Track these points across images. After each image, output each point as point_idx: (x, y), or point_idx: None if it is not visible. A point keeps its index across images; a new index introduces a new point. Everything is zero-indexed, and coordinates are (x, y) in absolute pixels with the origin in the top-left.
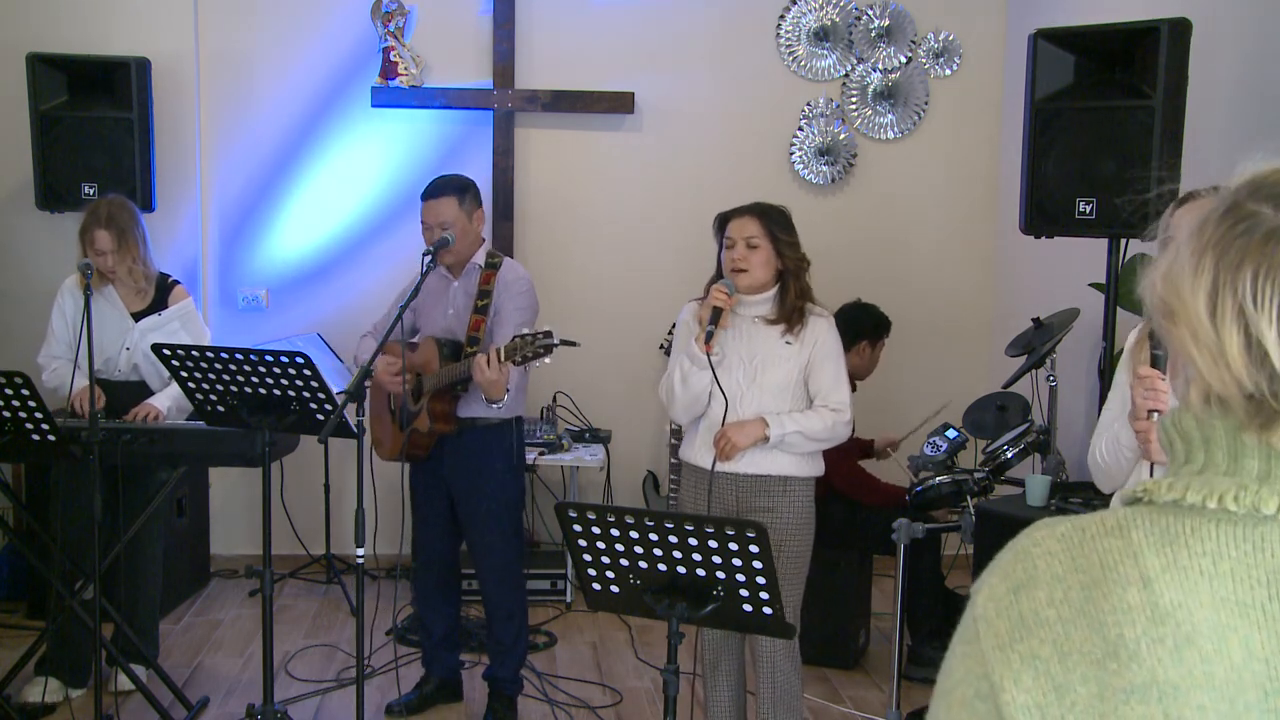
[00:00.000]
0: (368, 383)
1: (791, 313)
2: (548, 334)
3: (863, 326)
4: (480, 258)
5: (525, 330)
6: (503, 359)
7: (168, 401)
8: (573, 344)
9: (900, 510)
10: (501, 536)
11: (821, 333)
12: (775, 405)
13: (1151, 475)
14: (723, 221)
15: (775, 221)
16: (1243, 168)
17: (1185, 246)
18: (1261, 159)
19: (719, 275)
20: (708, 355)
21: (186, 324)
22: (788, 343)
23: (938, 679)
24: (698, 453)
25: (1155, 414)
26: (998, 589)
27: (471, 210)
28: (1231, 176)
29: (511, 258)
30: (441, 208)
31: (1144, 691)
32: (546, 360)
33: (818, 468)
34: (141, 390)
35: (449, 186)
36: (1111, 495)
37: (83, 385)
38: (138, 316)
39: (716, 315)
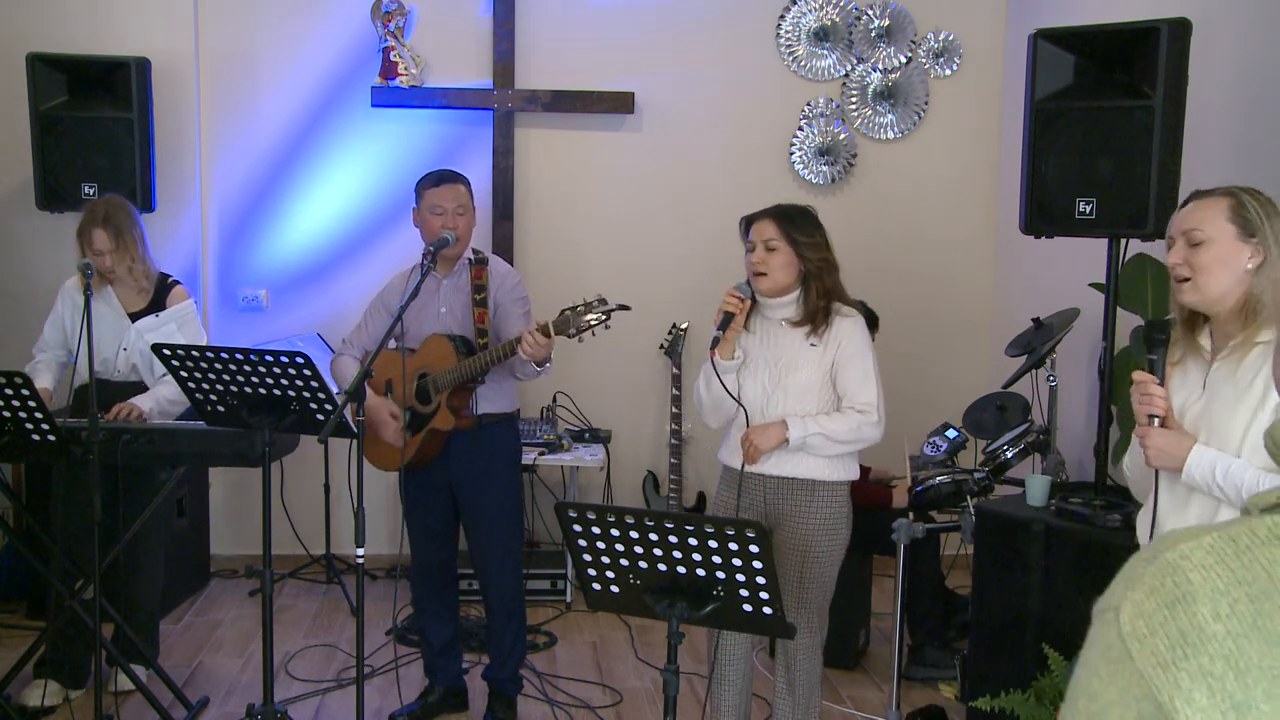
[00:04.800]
0: (368, 383)
1: (815, 314)
2: (602, 301)
3: None
4: (468, 253)
5: (567, 306)
6: (552, 334)
7: (150, 403)
8: (626, 308)
9: (893, 510)
10: (505, 536)
11: (846, 333)
12: (800, 407)
13: (1156, 485)
14: (747, 224)
15: (794, 223)
16: None
17: None
18: None
19: (748, 280)
20: (714, 359)
21: (183, 326)
22: (812, 344)
23: (1076, 702)
24: (729, 455)
25: (1155, 419)
26: (1146, 605)
27: (473, 204)
28: None
29: (512, 257)
30: (460, 193)
31: None
32: (607, 326)
33: (850, 472)
34: (141, 391)
35: (460, 177)
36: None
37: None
38: (135, 317)
39: (727, 320)
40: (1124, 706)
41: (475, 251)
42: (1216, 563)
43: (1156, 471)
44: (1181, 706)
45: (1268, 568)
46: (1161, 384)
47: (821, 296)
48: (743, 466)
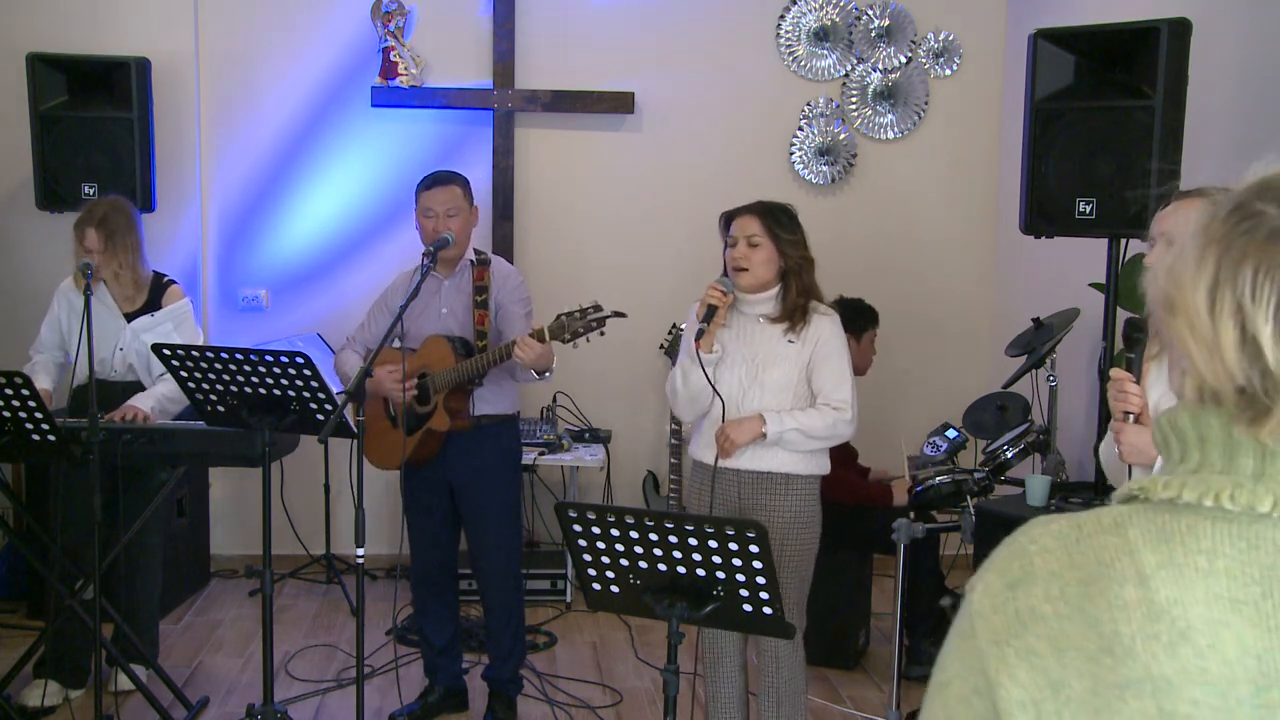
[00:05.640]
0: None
1: (794, 311)
2: (597, 307)
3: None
4: (470, 254)
5: (563, 311)
6: (547, 339)
7: (150, 401)
8: (622, 315)
9: (893, 510)
10: (504, 537)
11: (824, 331)
12: (776, 403)
13: (1130, 476)
14: (727, 220)
15: (777, 220)
16: (1255, 169)
17: (1190, 242)
18: (1274, 160)
19: (726, 274)
20: (698, 353)
21: (179, 325)
22: (790, 341)
23: (933, 673)
24: (702, 449)
25: (1130, 415)
26: (994, 585)
27: (471, 203)
28: (1243, 178)
29: (511, 257)
30: (451, 195)
31: (1138, 686)
32: (601, 332)
33: (821, 466)
34: (138, 390)
35: (455, 177)
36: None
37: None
38: (131, 317)
39: (711, 313)
40: (963, 680)
41: (478, 252)
42: (1059, 547)
43: (1130, 467)
44: (1005, 682)
45: (1098, 553)
46: (1138, 381)
47: (801, 294)
48: (716, 461)
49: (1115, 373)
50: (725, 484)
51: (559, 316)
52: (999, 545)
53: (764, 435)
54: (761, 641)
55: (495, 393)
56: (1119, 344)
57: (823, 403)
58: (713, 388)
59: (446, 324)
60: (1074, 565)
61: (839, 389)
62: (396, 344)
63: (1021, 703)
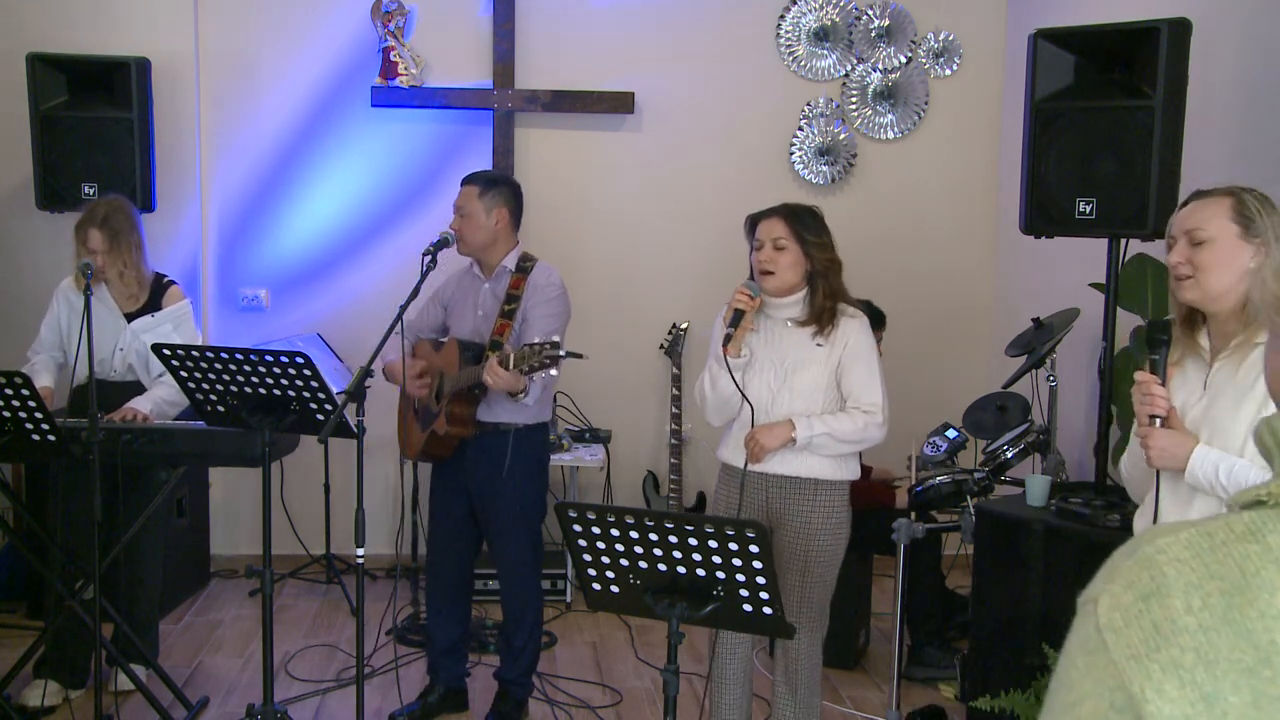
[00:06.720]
0: (368, 383)
1: (822, 314)
2: (555, 345)
3: None
4: (511, 261)
5: (544, 338)
6: (509, 367)
7: (149, 405)
8: (579, 356)
9: (894, 510)
10: (517, 541)
11: (852, 334)
12: (806, 407)
13: (1158, 486)
14: (753, 223)
15: (803, 222)
16: None
17: None
18: None
19: (752, 277)
20: (726, 358)
21: (179, 326)
22: (818, 345)
23: (1053, 693)
24: (731, 453)
25: (1157, 419)
26: (1123, 597)
27: (491, 206)
28: None
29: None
30: (463, 194)
31: None
32: (554, 372)
33: (851, 471)
34: (138, 390)
35: (477, 177)
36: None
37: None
38: (131, 317)
39: (738, 318)
40: (1098, 697)
41: (524, 259)
42: (1192, 557)
43: (1158, 472)
44: (1153, 697)
45: (1240, 562)
46: (1163, 384)
47: (828, 297)
48: (745, 465)
49: (1141, 376)
50: (754, 488)
51: (523, 347)
52: (1114, 556)
53: (794, 440)
54: (784, 644)
55: (510, 401)
56: (1119, 344)
57: (853, 406)
58: (741, 393)
59: (480, 326)
60: (1212, 575)
61: (869, 391)
62: (443, 339)
63: (1174, 718)
